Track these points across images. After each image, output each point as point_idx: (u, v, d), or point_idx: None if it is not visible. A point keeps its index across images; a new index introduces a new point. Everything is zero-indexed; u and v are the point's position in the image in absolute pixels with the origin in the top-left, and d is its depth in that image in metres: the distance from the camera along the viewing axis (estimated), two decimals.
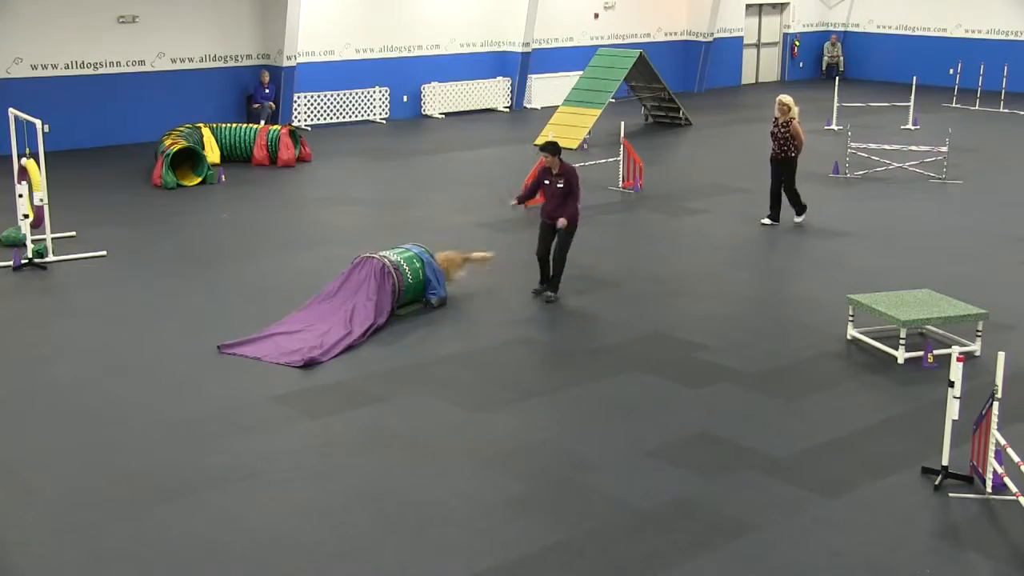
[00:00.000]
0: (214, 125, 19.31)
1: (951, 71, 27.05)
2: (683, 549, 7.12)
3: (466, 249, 12.47)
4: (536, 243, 12.06)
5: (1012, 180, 18.48)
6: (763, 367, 10.22)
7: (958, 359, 7.68)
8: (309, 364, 10.05)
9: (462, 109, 24.82)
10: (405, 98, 24.26)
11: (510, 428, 8.97)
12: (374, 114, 23.75)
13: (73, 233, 14.18)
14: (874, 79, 30.44)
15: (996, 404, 7.68)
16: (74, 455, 8.34)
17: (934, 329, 10.79)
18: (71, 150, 19.34)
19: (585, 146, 20.52)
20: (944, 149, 18.43)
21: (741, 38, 30.66)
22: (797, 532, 7.36)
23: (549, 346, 10.97)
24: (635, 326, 11.28)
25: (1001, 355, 7.67)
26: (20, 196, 13.13)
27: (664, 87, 23.48)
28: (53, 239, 13.40)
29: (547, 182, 11.80)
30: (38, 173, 12.99)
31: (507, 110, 25.54)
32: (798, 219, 15.27)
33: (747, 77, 31.15)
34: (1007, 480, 7.70)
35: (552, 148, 11.78)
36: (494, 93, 25.42)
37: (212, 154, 18.60)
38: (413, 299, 11.64)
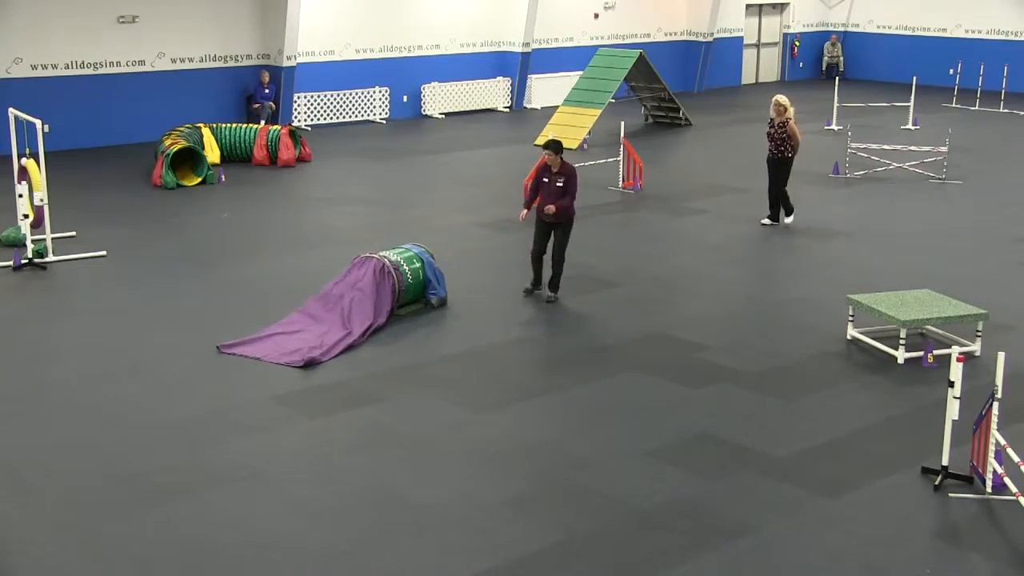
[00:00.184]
0: (214, 125, 19.31)
1: (951, 71, 27.06)
2: (683, 549, 7.13)
3: None
4: (531, 243, 12.08)
5: (1012, 180, 18.48)
6: (763, 367, 10.22)
7: (958, 359, 7.68)
8: (309, 364, 10.05)
9: (462, 109, 24.82)
10: (405, 98, 24.26)
11: (510, 428, 8.97)
12: (374, 114, 23.75)
13: (73, 233, 14.18)
14: (874, 79, 30.44)
15: (996, 404, 7.68)
16: (74, 455, 8.34)
17: (934, 329, 10.79)
18: (71, 150, 19.34)
19: (585, 146, 20.52)
20: (944, 149, 18.43)
21: (741, 38, 30.66)
22: (797, 532, 7.36)
23: (549, 346, 10.97)
24: (635, 326, 11.28)
25: (1001, 355, 7.67)
26: (20, 196, 13.13)
27: (664, 87, 23.48)
28: (53, 239, 13.40)
29: (546, 180, 11.78)
30: (38, 173, 12.99)
31: (507, 110, 25.54)
32: (788, 220, 15.19)
33: (747, 77, 31.15)
34: (1007, 480, 7.70)
35: (555, 147, 11.78)
36: (494, 93, 25.43)
37: (212, 154, 18.60)
38: (413, 299, 11.63)
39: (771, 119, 14.94)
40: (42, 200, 12.98)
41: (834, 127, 22.77)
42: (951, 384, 7.72)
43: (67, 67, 19.91)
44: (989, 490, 7.82)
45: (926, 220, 15.81)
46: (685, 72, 28.86)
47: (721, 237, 14.85)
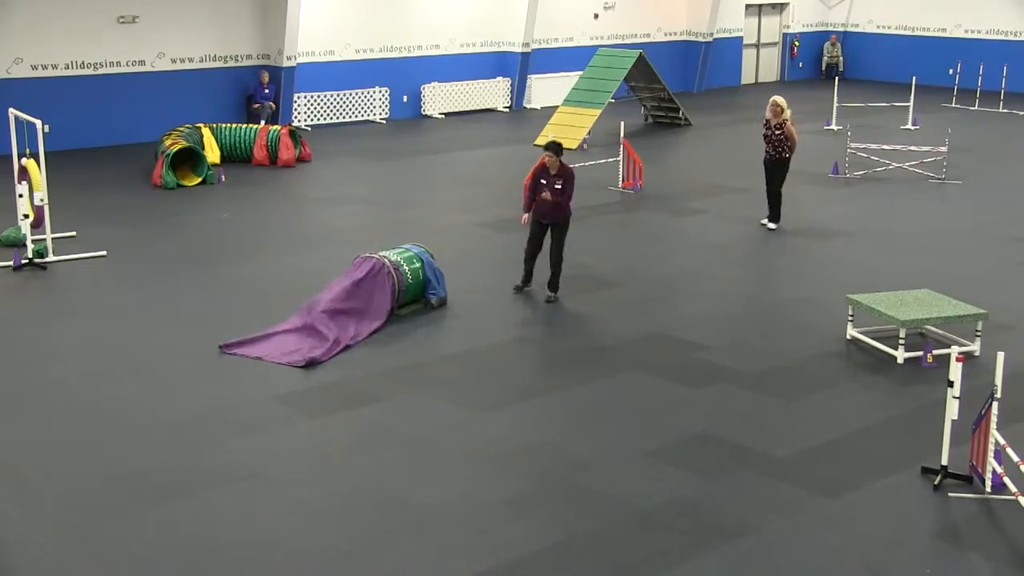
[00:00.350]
0: (214, 125, 19.31)
1: (950, 71, 27.05)
2: (683, 549, 7.13)
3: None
4: (526, 242, 12.11)
5: (1012, 180, 18.48)
6: (762, 367, 10.22)
7: (957, 359, 7.68)
8: (310, 364, 10.05)
9: (462, 109, 24.82)
10: (405, 98, 24.26)
11: (510, 428, 8.97)
12: (374, 114, 23.75)
13: (73, 233, 14.18)
14: (874, 79, 30.44)
15: (995, 404, 7.68)
16: (74, 455, 8.34)
17: (934, 329, 10.79)
18: (71, 150, 19.34)
19: (585, 146, 20.52)
20: (943, 149, 18.43)
21: (741, 38, 30.66)
22: (796, 532, 7.36)
23: (549, 346, 10.97)
24: (635, 326, 11.28)
25: (1000, 355, 7.68)
26: (20, 196, 13.13)
27: (664, 87, 23.48)
28: (53, 239, 13.39)
29: (543, 181, 11.78)
30: (38, 173, 12.99)
31: (507, 110, 25.54)
32: (772, 225, 14.98)
33: (747, 77, 31.15)
34: (1006, 480, 7.70)
35: (556, 148, 11.78)
36: (494, 93, 25.42)
37: (212, 154, 18.60)
38: (413, 299, 11.63)
39: (767, 121, 14.87)
40: (42, 200, 12.98)
41: (834, 127, 22.77)
42: (950, 384, 7.72)
43: (67, 67, 19.91)
44: (988, 490, 7.82)
45: (926, 220, 15.81)
46: (685, 72, 28.86)
47: (721, 237, 14.85)
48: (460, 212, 15.97)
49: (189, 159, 17.61)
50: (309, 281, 12.02)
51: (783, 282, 13.22)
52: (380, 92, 23.71)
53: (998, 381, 7.63)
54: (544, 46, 26.19)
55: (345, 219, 15.66)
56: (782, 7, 31.65)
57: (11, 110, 13.83)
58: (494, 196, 16.73)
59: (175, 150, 17.21)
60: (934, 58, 28.77)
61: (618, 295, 12.32)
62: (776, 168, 14.88)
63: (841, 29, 32.13)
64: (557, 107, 22.30)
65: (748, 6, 30.60)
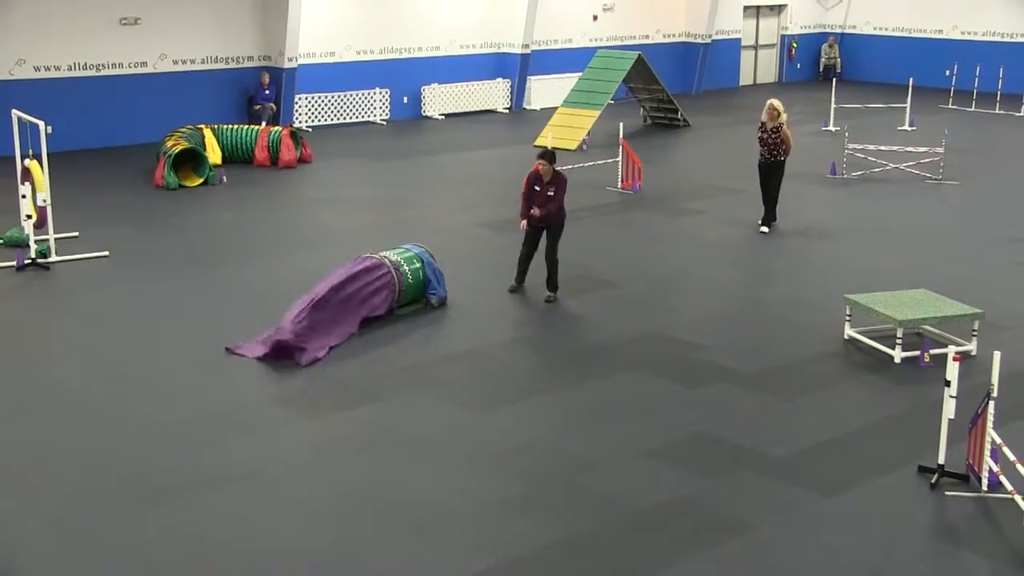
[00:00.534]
0: (216, 126, 19.31)
1: (947, 73, 27.03)
2: (681, 548, 7.12)
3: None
4: (521, 244, 12.16)
5: (1008, 181, 18.48)
6: (761, 367, 10.21)
7: (954, 359, 7.69)
8: (309, 362, 10.05)
9: (462, 110, 24.82)
10: (405, 99, 24.26)
11: (509, 428, 8.97)
12: (374, 115, 23.74)
13: (76, 233, 14.17)
14: (871, 80, 30.44)
15: (992, 403, 7.68)
16: (75, 455, 8.34)
17: (931, 329, 10.79)
18: (74, 151, 19.33)
19: (584, 147, 20.52)
20: (940, 150, 18.43)
21: (739, 40, 30.65)
22: (795, 531, 7.36)
23: (548, 346, 10.96)
24: (634, 326, 11.28)
25: (997, 355, 7.67)
26: (23, 197, 13.13)
27: (662, 88, 23.47)
28: (56, 239, 13.39)
29: (537, 188, 11.83)
30: (41, 174, 12.99)
31: (506, 111, 25.53)
32: (765, 229, 14.95)
33: (745, 79, 31.14)
34: (1003, 478, 7.70)
35: (549, 157, 11.83)
36: (494, 94, 25.42)
37: (214, 155, 18.60)
38: (413, 299, 11.63)
39: (762, 123, 14.81)
40: (45, 201, 12.98)
41: (831, 128, 22.77)
42: (947, 383, 7.72)
43: (70, 69, 19.91)
44: (985, 488, 7.81)
45: (923, 220, 15.81)
46: (683, 73, 28.85)
47: (719, 238, 14.85)
48: (460, 212, 15.97)
49: (191, 160, 17.60)
50: (310, 281, 11.98)
51: (781, 282, 13.22)
52: (380, 93, 23.71)
53: (994, 380, 7.63)
54: (543, 48, 26.19)
55: (346, 219, 15.66)
56: (780, 9, 31.65)
57: (14, 111, 13.83)
58: (494, 197, 16.73)
59: (177, 151, 17.21)
60: (931, 60, 28.76)
61: (617, 295, 12.32)
62: (771, 171, 14.83)
63: (839, 31, 32.12)
64: (556, 108, 22.31)
65: (746, 8, 30.59)
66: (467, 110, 24.88)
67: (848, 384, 9.92)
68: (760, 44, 31.43)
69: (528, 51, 25.49)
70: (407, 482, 7.98)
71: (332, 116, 23.21)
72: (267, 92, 21.64)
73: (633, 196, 17.13)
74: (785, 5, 31.60)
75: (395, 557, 6.99)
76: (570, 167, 18.04)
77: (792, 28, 31.80)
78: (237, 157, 19.08)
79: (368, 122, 23.61)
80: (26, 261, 12.92)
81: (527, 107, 25.85)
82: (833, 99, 23.77)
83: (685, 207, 16.49)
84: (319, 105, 22.98)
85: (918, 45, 30.05)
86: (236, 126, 19.52)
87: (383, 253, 11.59)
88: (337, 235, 14.63)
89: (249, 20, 21.87)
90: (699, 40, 28.95)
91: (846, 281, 12.37)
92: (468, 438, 8.73)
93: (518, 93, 25.68)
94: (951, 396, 7.73)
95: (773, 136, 14.68)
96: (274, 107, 21.73)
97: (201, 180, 17.42)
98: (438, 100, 24.53)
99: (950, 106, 26.06)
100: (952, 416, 7.79)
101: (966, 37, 29.23)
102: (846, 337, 10.89)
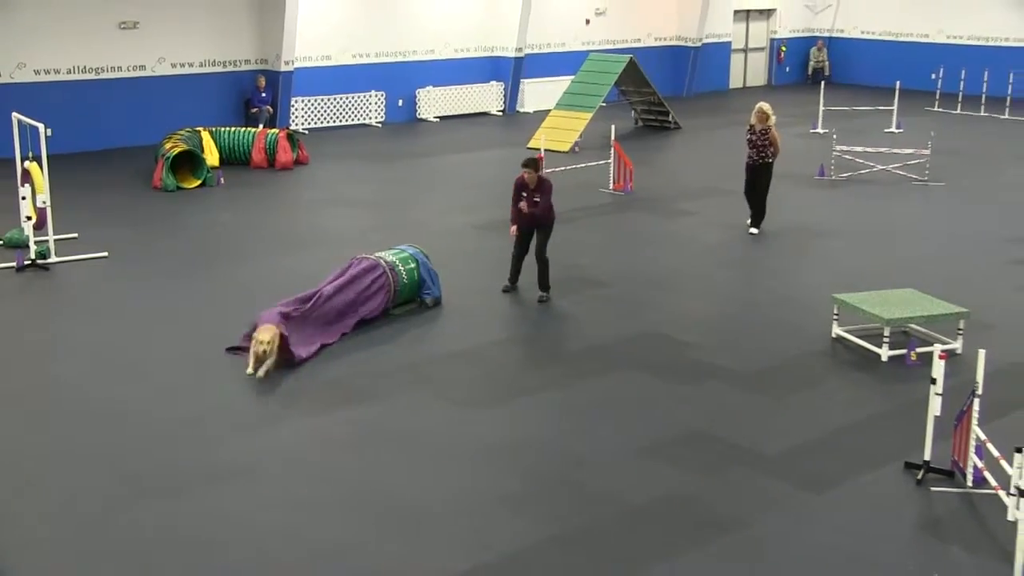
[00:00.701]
0: (213, 129, 19.30)
1: (933, 76, 27.10)
2: (676, 544, 7.15)
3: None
4: (514, 245, 12.21)
5: (993, 182, 18.54)
6: (752, 365, 10.24)
7: (940, 357, 7.72)
8: (301, 360, 10.07)
9: (456, 113, 24.83)
10: (400, 102, 24.26)
11: (504, 426, 8.99)
12: (370, 118, 23.74)
13: (75, 235, 14.16)
14: (859, 83, 30.50)
15: (977, 400, 7.72)
16: (75, 453, 8.34)
17: (917, 327, 10.83)
18: (73, 153, 19.30)
19: (576, 149, 20.54)
20: (927, 152, 18.48)
21: (729, 43, 30.69)
22: (786, 527, 7.39)
23: (542, 345, 10.98)
24: (627, 325, 11.31)
25: (982, 353, 7.71)
26: (23, 198, 13.12)
27: (654, 91, 23.50)
28: (55, 240, 13.38)
29: (524, 195, 11.90)
30: (41, 176, 12.98)
31: (500, 114, 25.54)
32: (754, 230, 14.97)
33: (735, 81, 31.18)
34: (987, 474, 7.73)
35: (534, 165, 11.90)
36: (488, 97, 25.43)
37: (211, 157, 18.60)
38: (408, 299, 11.65)
39: (751, 126, 14.84)
40: (44, 202, 12.97)
41: (820, 130, 22.82)
42: (933, 381, 7.75)
43: (69, 72, 19.89)
44: (970, 484, 7.86)
45: (909, 221, 15.86)
46: (674, 76, 28.89)
47: (710, 238, 14.88)
48: (455, 214, 15.98)
49: (189, 162, 17.60)
50: (307, 281, 12.00)
51: (771, 282, 13.24)
52: (376, 96, 23.71)
53: (979, 378, 7.67)
54: (537, 51, 26.20)
55: (342, 220, 15.66)
56: (769, 13, 31.70)
57: (14, 114, 13.82)
58: (488, 198, 16.74)
59: (175, 153, 17.20)
60: (917, 63, 28.84)
61: (610, 295, 12.35)
62: (759, 172, 14.85)
63: (827, 35, 32.19)
64: (549, 111, 22.33)
65: (736, 12, 30.64)
66: (461, 113, 24.89)
67: (836, 382, 9.96)
68: (750, 48, 31.48)
69: (521, 55, 25.51)
70: (404, 480, 8.00)
71: (328, 119, 23.20)
72: (264, 95, 21.63)
73: (625, 197, 17.16)
74: (774, 9, 31.65)
75: (392, 554, 7.01)
76: (563, 169, 18.08)
77: (781, 32, 31.86)
78: (234, 159, 19.08)
79: (364, 124, 23.61)
80: (26, 262, 12.91)
81: (520, 110, 25.87)
82: (821, 102, 23.82)
83: (676, 208, 16.52)
84: (315, 108, 22.98)
85: (905, 49, 30.13)
86: (233, 128, 19.52)
87: (378, 254, 11.60)
88: (333, 236, 14.64)
89: (246, 24, 21.86)
90: (690, 44, 28.99)
91: (834, 281, 12.41)
92: (464, 436, 8.75)
93: (511, 96, 25.70)
94: (937, 393, 7.76)
95: (762, 138, 14.72)
96: (271, 110, 21.73)
97: (199, 182, 17.42)
98: (433, 103, 24.54)
99: (936, 109, 26.13)
100: (938, 413, 7.83)
101: (952, 41, 29.31)
102: (834, 336, 10.92)
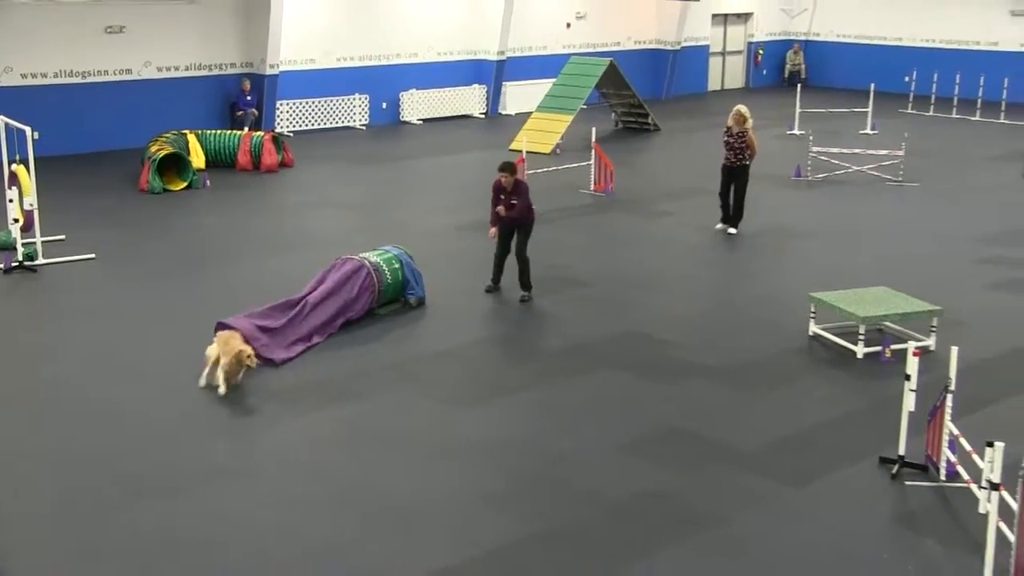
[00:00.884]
0: (199, 131, 19.24)
1: (907, 79, 27.24)
2: (657, 539, 7.17)
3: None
4: (495, 245, 12.23)
5: (965, 182, 18.66)
6: (731, 363, 10.28)
7: (914, 354, 7.77)
8: (283, 361, 10.06)
9: (439, 115, 24.81)
10: (384, 105, 24.23)
11: (489, 424, 9.00)
12: (354, 120, 23.70)
13: (62, 236, 14.09)
14: (834, 86, 30.61)
15: (949, 396, 7.78)
16: (67, 454, 8.31)
17: (891, 325, 10.89)
18: (60, 156, 19.19)
19: (558, 151, 20.56)
20: (901, 153, 18.59)
21: (707, 47, 30.77)
22: (765, 521, 7.42)
23: (525, 344, 11.00)
24: (608, 325, 11.33)
25: (954, 349, 7.77)
26: (10, 201, 13.05)
27: (634, 94, 23.55)
28: (43, 242, 13.31)
29: (502, 197, 11.94)
30: (28, 178, 12.92)
31: (483, 116, 25.54)
32: (732, 230, 15.01)
33: (713, 84, 31.27)
34: (960, 468, 7.80)
35: (510, 168, 11.95)
36: (470, 100, 25.42)
37: (197, 159, 18.53)
38: (392, 299, 11.65)
39: (728, 128, 14.88)
40: (32, 204, 12.90)
41: (796, 132, 22.90)
42: (907, 377, 7.80)
43: (56, 76, 19.79)
44: (943, 478, 7.91)
45: (884, 220, 15.94)
46: (654, 79, 28.94)
47: (690, 238, 14.92)
48: (438, 215, 15.97)
49: (175, 164, 17.53)
50: (293, 282, 11.98)
51: (749, 281, 13.30)
52: (360, 99, 23.68)
53: (952, 374, 7.73)
54: (518, 54, 26.20)
55: (327, 222, 15.64)
56: (747, 17, 31.80)
57: (1, 117, 13.74)
58: (471, 199, 16.73)
59: (161, 156, 17.14)
60: (891, 66, 28.97)
61: (591, 295, 12.37)
62: (736, 174, 14.89)
63: (803, 38, 32.31)
64: (531, 113, 22.34)
65: (714, 16, 30.72)
66: (444, 115, 24.88)
67: (813, 379, 10.01)
68: (728, 51, 31.57)
69: (503, 58, 25.51)
70: (391, 478, 8.00)
71: (313, 121, 23.16)
72: (249, 98, 21.57)
73: (606, 198, 17.19)
74: (751, 13, 31.75)
75: (380, 551, 7.01)
76: (544, 170, 18.09)
77: (758, 35, 31.96)
78: (220, 161, 19.01)
79: (348, 127, 23.57)
80: (13, 264, 12.85)
81: (502, 112, 25.87)
82: (798, 104, 23.91)
83: (656, 209, 16.56)
84: (300, 111, 22.93)
85: (879, 52, 30.27)
86: (219, 131, 19.46)
87: (363, 254, 11.60)
88: (318, 237, 14.61)
89: (232, 28, 21.79)
90: (669, 47, 29.06)
91: (810, 280, 12.46)
92: (449, 434, 8.76)
93: (494, 98, 25.70)
94: (911, 390, 7.81)
95: (739, 140, 14.77)
96: (256, 113, 21.67)
97: (185, 184, 17.36)
98: (416, 106, 24.52)
99: (909, 111, 26.27)
100: (912, 409, 7.88)
101: (925, 45, 29.48)
102: (811, 334, 10.97)
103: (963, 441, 7.68)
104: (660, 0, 28.37)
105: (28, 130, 12.90)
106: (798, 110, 23.75)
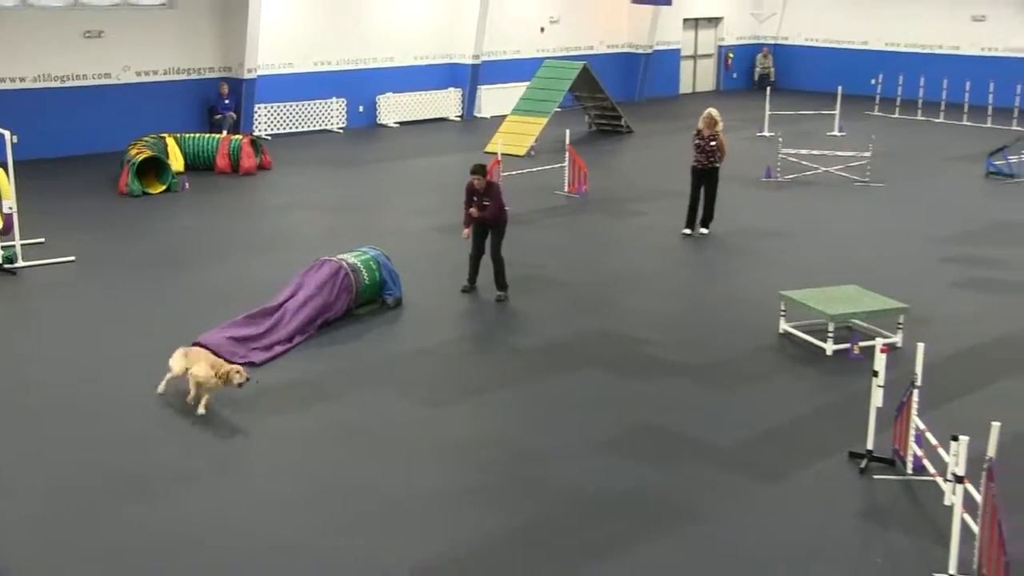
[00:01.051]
0: (178, 135, 19.13)
1: (873, 81, 27.44)
2: (633, 535, 7.20)
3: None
4: (470, 246, 12.24)
5: (930, 183, 18.81)
6: (704, 361, 10.33)
7: (882, 350, 7.84)
8: (263, 361, 10.03)
9: (416, 118, 24.78)
10: (361, 108, 24.17)
11: (466, 422, 9.00)
12: (331, 124, 23.63)
13: (42, 240, 13.98)
14: (803, 89, 30.77)
15: (916, 392, 7.84)
16: (49, 455, 8.25)
17: (860, 323, 10.96)
18: (39, 160, 19.03)
19: (532, 153, 20.58)
20: (868, 154, 18.73)
21: (679, 50, 30.88)
22: (738, 516, 7.47)
23: (501, 344, 11.01)
24: (583, 323, 11.36)
25: (920, 346, 7.84)
26: None
27: (607, 97, 23.60)
28: (22, 245, 13.20)
29: (475, 199, 11.96)
30: (7, 182, 12.82)
31: (458, 119, 25.52)
32: (704, 231, 15.06)
33: (684, 87, 31.38)
34: (926, 462, 7.87)
35: (482, 171, 11.99)
36: (446, 103, 25.40)
37: (176, 163, 18.42)
38: (370, 299, 11.63)
39: (699, 131, 14.91)
40: (11, 208, 12.80)
41: (766, 134, 23.02)
42: (875, 374, 7.87)
43: (35, 80, 19.63)
44: (910, 471, 7.99)
45: (852, 220, 16.05)
46: (626, 82, 29.01)
47: (663, 238, 14.97)
48: (415, 216, 15.96)
49: (154, 168, 17.43)
50: (272, 283, 11.95)
51: (721, 280, 13.37)
52: (337, 103, 23.61)
53: (918, 370, 7.80)
54: (493, 58, 26.20)
55: (305, 224, 15.59)
56: (717, 21, 31.94)
57: None
58: (447, 201, 16.70)
59: (140, 159, 17.04)
60: (858, 69, 29.17)
61: (566, 294, 12.40)
62: (708, 176, 14.93)
63: (772, 42, 32.48)
64: (506, 116, 22.35)
65: (685, 20, 30.83)
66: (420, 118, 24.84)
67: (783, 376, 10.08)
68: (699, 54, 31.69)
69: (479, 61, 25.51)
70: (368, 476, 7.99)
71: (291, 125, 23.08)
72: (227, 102, 21.47)
73: (580, 200, 17.23)
74: (722, 18, 31.89)
75: (358, 546, 7.01)
76: (519, 172, 18.11)
77: (728, 39, 32.11)
78: (199, 165, 18.91)
79: (325, 130, 23.50)
80: None
81: (478, 115, 25.86)
82: (767, 106, 24.03)
83: (630, 209, 16.61)
84: (278, 114, 22.84)
85: (846, 55, 30.48)
86: (198, 135, 19.35)
87: (341, 256, 11.57)
88: (297, 239, 14.57)
89: (209, 32, 21.68)
90: (641, 51, 29.14)
91: (781, 278, 12.53)
92: (426, 433, 8.75)
93: (469, 102, 25.69)
94: (879, 386, 7.88)
95: (710, 143, 14.83)
96: (234, 116, 21.56)
97: (164, 187, 17.26)
98: (393, 109, 24.48)
99: (876, 113, 26.46)
100: (880, 404, 7.95)
101: (890, 48, 29.71)
102: (781, 332, 11.04)
103: (929, 435, 7.75)
104: (632, 5, 28.44)
105: (7, 134, 12.80)
106: (768, 112, 23.87)
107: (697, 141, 14.94)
